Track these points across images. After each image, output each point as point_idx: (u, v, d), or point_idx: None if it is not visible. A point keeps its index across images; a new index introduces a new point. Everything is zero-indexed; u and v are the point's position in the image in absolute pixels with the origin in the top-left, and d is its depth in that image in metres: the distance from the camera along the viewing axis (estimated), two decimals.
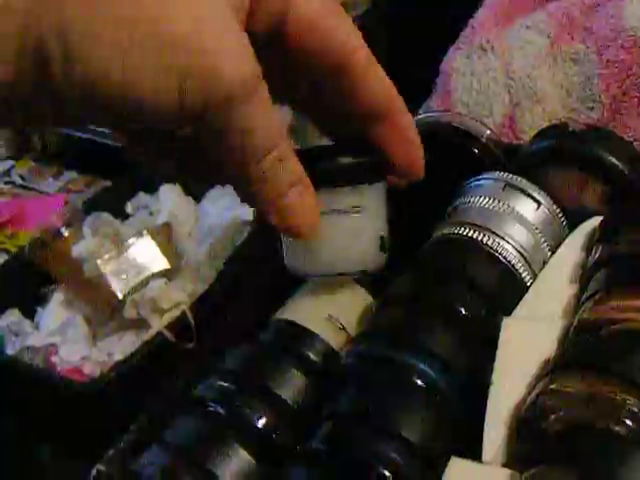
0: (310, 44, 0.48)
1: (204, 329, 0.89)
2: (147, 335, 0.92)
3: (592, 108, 0.74)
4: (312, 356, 0.54)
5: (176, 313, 0.93)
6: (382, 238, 0.55)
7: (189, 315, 0.92)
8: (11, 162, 1.33)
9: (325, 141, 0.56)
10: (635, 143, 0.72)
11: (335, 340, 0.55)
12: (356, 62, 0.49)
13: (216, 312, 0.88)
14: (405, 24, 1.15)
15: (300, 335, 0.55)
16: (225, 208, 1.05)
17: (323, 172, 0.51)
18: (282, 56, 0.48)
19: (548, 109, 0.76)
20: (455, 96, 0.79)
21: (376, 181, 0.54)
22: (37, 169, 1.30)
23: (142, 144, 0.50)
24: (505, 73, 0.78)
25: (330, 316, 0.56)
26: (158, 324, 0.93)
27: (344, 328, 0.56)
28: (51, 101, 0.41)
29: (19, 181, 1.28)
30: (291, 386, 0.52)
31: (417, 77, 0.84)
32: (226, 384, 0.52)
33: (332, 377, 0.53)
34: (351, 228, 0.53)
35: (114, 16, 0.39)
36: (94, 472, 0.53)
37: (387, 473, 0.45)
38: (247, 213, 0.99)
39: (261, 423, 0.51)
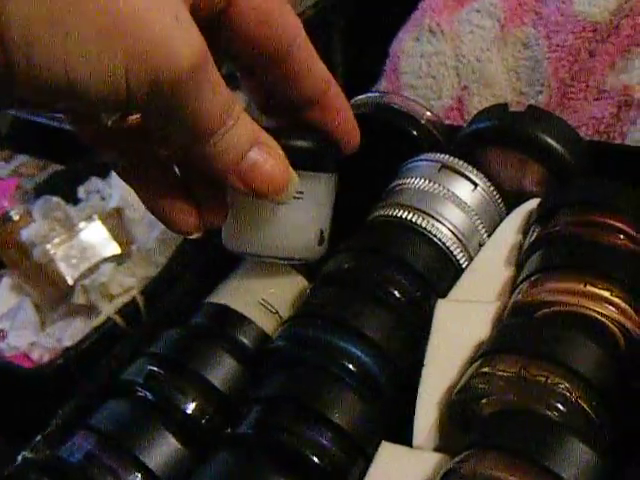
0: (252, 29, 0.47)
1: (154, 315, 0.88)
2: (97, 321, 0.91)
3: (541, 92, 0.74)
4: (244, 341, 0.54)
5: (126, 299, 0.92)
6: (321, 231, 0.54)
7: (139, 301, 0.91)
8: None
9: None
10: (582, 127, 0.72)
11: (267, 325, 0.55)
12: (296, 48, 0.49)
13: (166, 297, 0.87)
14: (360, 10, 1.15)
15: (232, 319, 0.54)
16: None
17: None
18: (223, 41, 0.47)
19: (497, 92, 0.76)
20: (404, 79, 0.78)
21: (323, 171, 0.53)
22: None
23: (91, 130, 0.49)
24: (454, 56, 0.77)
25: (263, 300, 0.55)
26: (108, 310, 0.92)
27: (277, 312, 0.55)
28: None
29: None
30: (221, 371, 0.51)
31: (373, 62, 0.83)
32: (155, 368, 0.51)
33: (262, 361, 0.52)
34: (289, 214, 0.53)
35: (55, 6, 0.37)
36: (20, 458, 0.52)
37: (315, 459, 0.45)
38: None
39: (190, 408, 0.50)
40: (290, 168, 0.49)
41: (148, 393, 0.50)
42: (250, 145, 0.46)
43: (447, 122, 0.75)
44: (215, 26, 0.46)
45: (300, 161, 0.50)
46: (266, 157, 0.47)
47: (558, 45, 0.74)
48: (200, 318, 0.55)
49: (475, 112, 0.73)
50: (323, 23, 1.20)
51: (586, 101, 0.72)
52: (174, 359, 0.51)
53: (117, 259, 0.97)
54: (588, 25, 0.73)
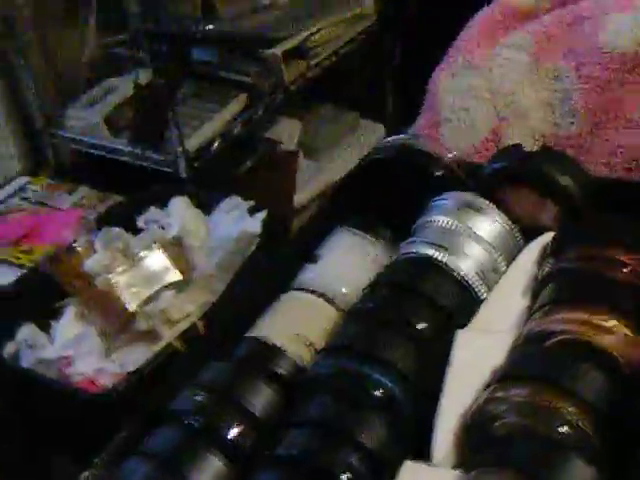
0: None
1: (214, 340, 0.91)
2: (158, 346, 0.94)
3: (572, 123, 0.76)
4: (280, 371, 0.58)
5: (187, 324, 0.95)
6: None
7: (199, 326, 0.94)
8: (26, 178, 1.35)
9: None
10: (612, 156, 0.74)
11: (303, 356, 0.59)
12: None
13: (226, 323, 0.90)
14: (413, 31, 1.17)
15: (269, 352, 0.59)
16: (235, 221, 1.06)
17: None
18: None
19: (532, 124, 0.78)
20: (441, 114, 0.81)
21: None
22: (51, 185, 1.32)
23: None
24: (488, 90, 0.80)
25: (299, 333, 0.59)
26: (169, 335, 0.95)
27: (312, 344, 0.59)
28: None
29: (34, 197, 1.30)
30: (260, 399, 0.56)
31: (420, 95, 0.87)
32: (199, 398, 0.55)
33: (297, 389, 0.56)
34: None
35: None
36: (83, 477, 0.56)
37: (345, 477, 0.49)
38: (256, 226, 1.01)
39: (232, 434, 0.54)
40: None
41: (193, 421, 0.54)
42: None
43: (485, 153, 0.78)
44: None
45: None
46: None
47: (587, 76, 0.76)
48: (241, 351, 0.60)
49: (511, 144, 0.77)
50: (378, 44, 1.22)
51: (616, 131, 0.75)
52: (217, 389, 0.56)
53: (177, 286, 1.00)
54: (616, 56, 0.75)
